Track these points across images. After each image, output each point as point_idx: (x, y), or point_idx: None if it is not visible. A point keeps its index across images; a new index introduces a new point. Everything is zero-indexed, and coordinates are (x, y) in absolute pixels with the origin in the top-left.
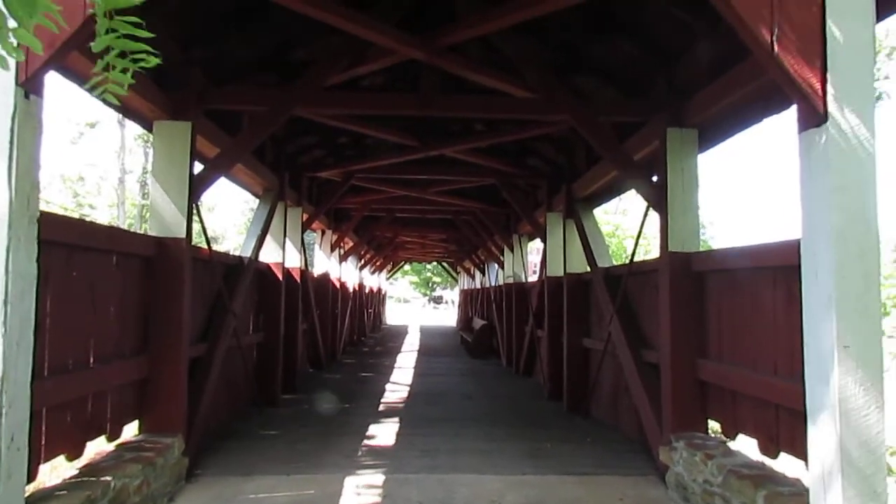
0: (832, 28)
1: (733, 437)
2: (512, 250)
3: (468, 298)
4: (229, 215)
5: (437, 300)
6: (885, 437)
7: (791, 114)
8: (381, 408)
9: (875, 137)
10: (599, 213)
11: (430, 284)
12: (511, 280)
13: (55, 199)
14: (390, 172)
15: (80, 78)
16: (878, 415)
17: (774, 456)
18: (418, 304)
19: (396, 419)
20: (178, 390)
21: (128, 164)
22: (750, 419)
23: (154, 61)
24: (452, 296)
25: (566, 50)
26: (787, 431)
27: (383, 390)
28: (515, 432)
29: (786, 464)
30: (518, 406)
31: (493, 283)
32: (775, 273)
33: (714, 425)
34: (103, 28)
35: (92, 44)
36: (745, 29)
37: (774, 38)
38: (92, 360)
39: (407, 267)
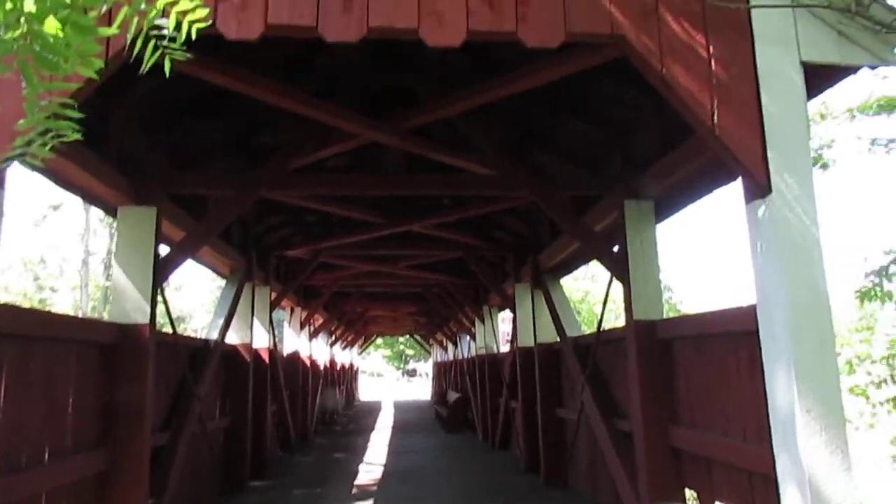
0: (767, 107)
1: None
2: (483, 321)
3: (442, 371)
4: (197, 294)
5: (411, 373)
6: (854, 499)
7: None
8: (354, 490)
9: (816, 205)
10: (569, 279)
11: (404, 357)
12: (483, 351)
13: (14, 285)
14: (358, 249)
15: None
16: (846, 476)
17: None
18: (392, 378)
19: (371, 502)
20: (140, 482)
21: (92, 245)
22: (725, 486)
23: (74, 136)
24: (426, 368)
25: (524, 130)
26: (762, 498)
27: (357, 471)
28: None
29: None
30: (494, 482)
31: (465, 355)
32: (737, 338)
33: (693, 491)
34: (31, 109)
35: (18, 122)
36: (688, 110)
37: (714, 118)
38: (47, 455)
39: (379, 340)
